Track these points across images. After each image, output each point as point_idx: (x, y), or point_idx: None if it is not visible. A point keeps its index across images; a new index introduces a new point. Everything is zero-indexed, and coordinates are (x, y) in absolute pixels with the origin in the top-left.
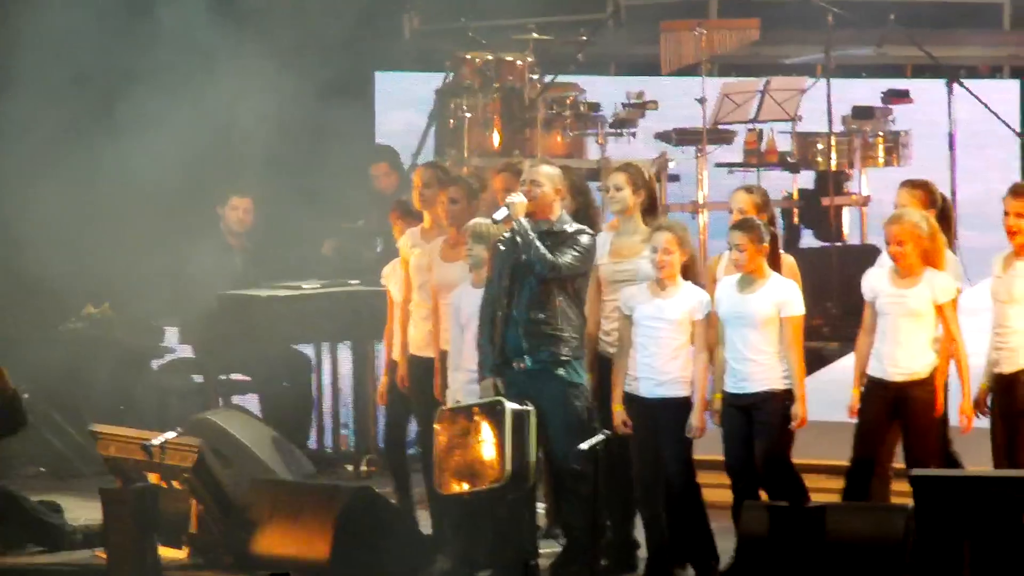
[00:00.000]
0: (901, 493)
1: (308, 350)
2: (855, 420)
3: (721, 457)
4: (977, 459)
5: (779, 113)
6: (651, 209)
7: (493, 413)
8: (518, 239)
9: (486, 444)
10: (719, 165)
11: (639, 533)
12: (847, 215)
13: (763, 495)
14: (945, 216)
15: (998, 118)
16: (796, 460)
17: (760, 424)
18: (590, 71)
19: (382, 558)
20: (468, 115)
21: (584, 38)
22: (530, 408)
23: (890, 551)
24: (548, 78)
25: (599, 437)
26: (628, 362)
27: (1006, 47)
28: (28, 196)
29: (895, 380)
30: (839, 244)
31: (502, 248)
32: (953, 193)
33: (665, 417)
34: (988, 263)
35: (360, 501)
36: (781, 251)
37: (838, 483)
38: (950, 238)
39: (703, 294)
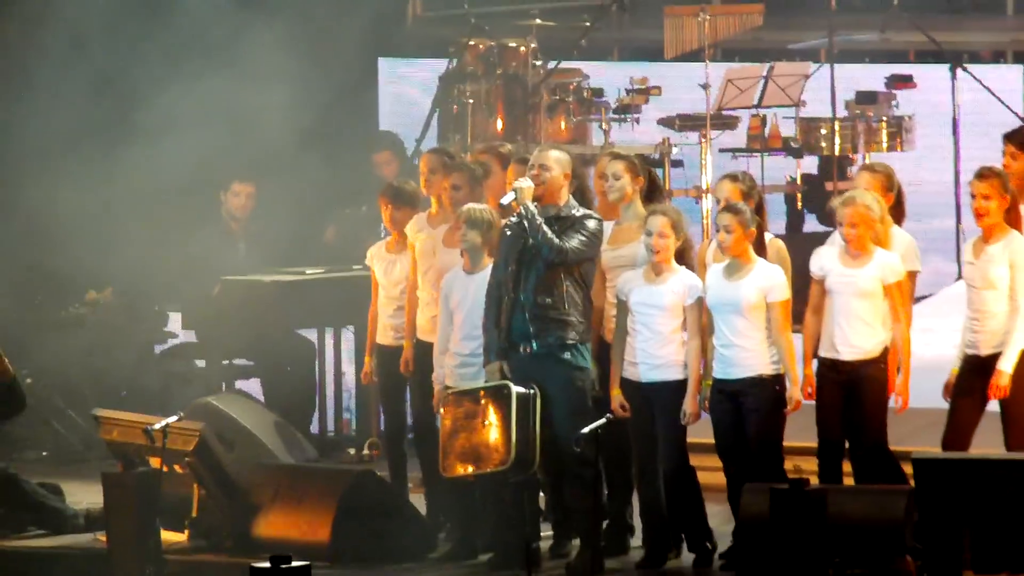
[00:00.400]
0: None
1: (311, 335)
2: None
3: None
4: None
5: (783, 98)
6: (653, 195)
7: (499, 396)
8: (525, 223)
9: (491, 427)
10: (723, 150)
11: (631, 517)
12: None
13: None
14: (899, 202)
15: (1001, 103)
16: (793, 443)
17: (749, 410)
18: (593, 57)
19: (384, 542)
20: (471, 101)
21: (587, 24)
22: (535, 392)
23: (891, 533)
24: (551, 64)
25: (601, 421)
26: (625, 347)
27: (1009, 32)
28: (41, 186)
29: (846, 359)
30: None
31: (509, 233)
32: (957, 177)
33: (660, 401)
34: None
35: (362, 485)
36: (771, 235)
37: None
38: (900, 223)
39: (695, 279)
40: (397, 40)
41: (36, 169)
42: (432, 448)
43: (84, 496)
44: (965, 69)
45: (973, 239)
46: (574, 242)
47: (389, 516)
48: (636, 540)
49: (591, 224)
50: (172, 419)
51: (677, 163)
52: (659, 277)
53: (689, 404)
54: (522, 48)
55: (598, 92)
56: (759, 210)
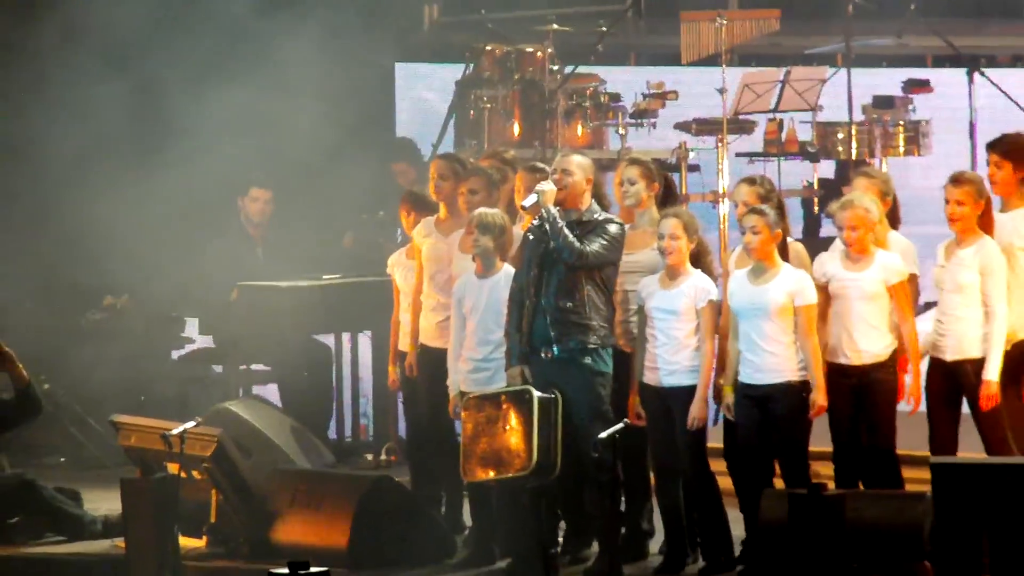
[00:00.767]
0: (920, 480)
1: (328, 340)
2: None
3: None
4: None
5: (799, 103)
6: (668, 200)
7: (520, 401)
8: (546, 227)
9: (513, 432)
10: (739, 155)
11: (648, 522)
12: None
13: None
14: (895, 207)
15: (1019, 107)
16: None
17: (777, 416)
18: (610, 62)
19: (401, 547)
20: (488, 106)
21: (604, 28)
22: (557, 396)
23: (909, 538)
24: (568, 69)
25: (619, 426)
26: (645, 353)
27: None
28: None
29: (856, 364)
30: None
31: (531, 237)
32: None
33: (678, 405)
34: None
35: (380, 490)
36: (791, 239)
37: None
38: (896, 227)
39: (707, 281)
40: (414, 46)
41: (67, 178)
42: (442, 453)
43: (102, 502)
44: (983, 73)
45: (946, 242)
46: (595, 246)
47: (407, 521)
48: (654, 546)
49: (612, 228)
50: (190, 425)
51: (694, 168)
52: (673, 281)
53: (697, 408)
54: (539, 53)
55: (615, 97)
56: (780, 214)
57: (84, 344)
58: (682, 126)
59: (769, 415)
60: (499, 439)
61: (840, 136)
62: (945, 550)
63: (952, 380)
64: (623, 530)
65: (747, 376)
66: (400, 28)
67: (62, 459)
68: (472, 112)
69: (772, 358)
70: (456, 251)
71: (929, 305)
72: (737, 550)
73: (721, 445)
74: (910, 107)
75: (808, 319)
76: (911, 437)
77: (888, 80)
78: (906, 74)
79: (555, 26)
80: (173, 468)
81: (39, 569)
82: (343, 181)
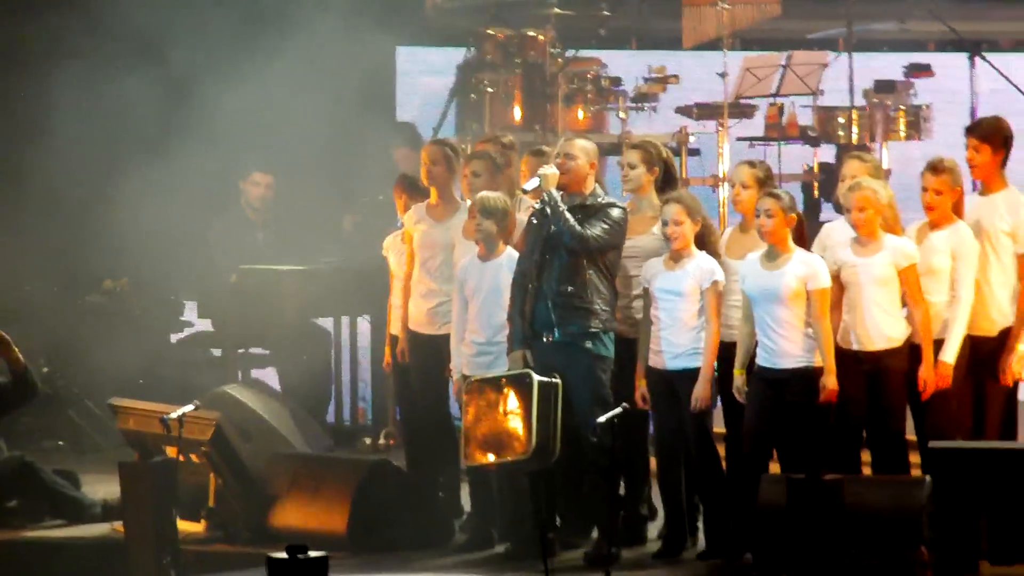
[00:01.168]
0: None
1: (327, 324)
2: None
3: None
4: None
5: (801, 87)
6: (668, 185)
7: (521, 385)
8: (547, 210)
9: (513, 416)
10: (740, 139)
11: (647, 507)
12: None
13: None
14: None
15: (1020, 92)
16: None
17: (789, 401)
18: (611, 46)
19: (400, 531)
20: (490, 90)
21: (605, 13)
22: (557, 381)
23: (907, 523)
24: (569, 53)
25: (617, 410)
26: (650, 336)
27: None
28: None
29: (869, 349)
30: None
31: (534, 221)
32: None
33: (684, 388)
34: None
35: (378, 474)
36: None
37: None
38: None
39: (712, 263)
40: (415, 29)
41: (78, 162)
42: (437, 438)
43: (101, 486)
44: (984, 58)
45: (917, 224)
46: (596, 230)
47: (405, 506)
48: (652, 531)
49: (615, 213)
50: (188, 408)
51: (694, 152)
52: (678, 264)
53: (700, 389)
54: (541, 37)
55: (616, 81)
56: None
57: (83, 327)
58: (683, 110)
59: (783, 399)
60: (499, 423)
61: (841, 120)
62: (943, 535)
63: (917, 363)
64: (622, 514)
65: (765, 360)
66: (401, 11)
67: (60, 443)
68: (473, 96)
69: (788, 343)
70: (459, 238)
71: None
72: None
73: (724, 430)
74: (911, 92)
75: (821, 303)
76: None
77: (890, 65)
78: (907, 59)
79: (557, 10)
80: (172, 452)
81: (38, 552)
82: (343, 164)
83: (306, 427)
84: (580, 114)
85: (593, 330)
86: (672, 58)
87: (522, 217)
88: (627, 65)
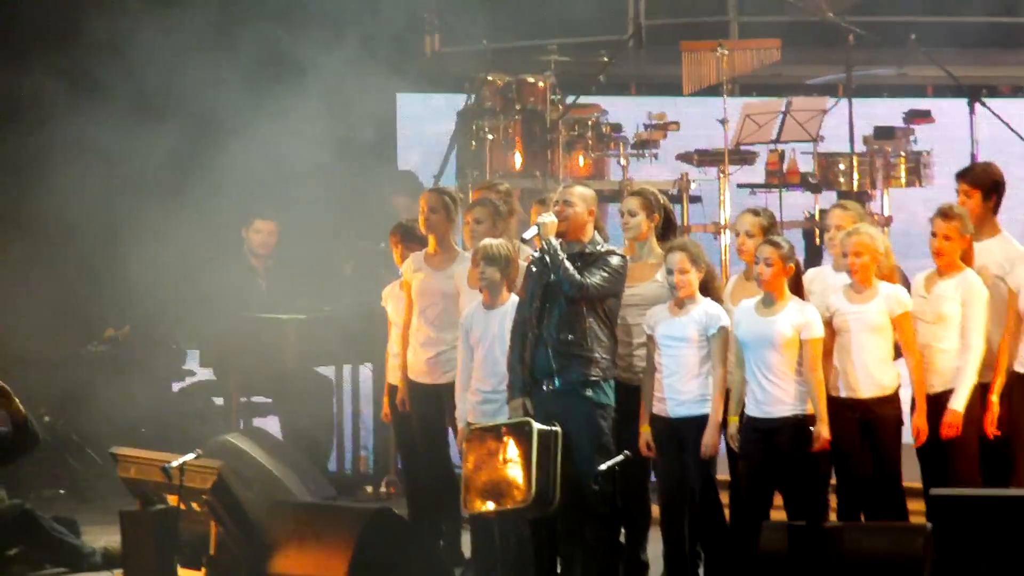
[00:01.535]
0: (920, 512)
1: (329, 372)
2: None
3: None
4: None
5: (801, 133)
6: (667, 232)
7: (520, 433)
8: (547, 259)
9: (512, 464)
10: (741, 186)
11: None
12: None
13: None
14: None
15: (1020, 137)
16: None
17: (782, 450)
18: (611, 92)
19: None
20: (490, 137)
21: (605, 59)
22: (557, 429)
23: (909, 570)
24: (569, 99)
25: (618, 458)
26: (653, 383)
27: None
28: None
29: (863, 397)
30: None
31: (534, 269)
32: None
33: (689, 435)
34: None
35: (379, 523)
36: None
37: None
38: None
39: (717, 308)
40: (415, 76)
41: (86, 213)
42: (438, 486)
43: (102, 534)
44: (983, 104)
45: (926, 272)
46: (596, 278)
47: (406, 555)
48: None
49: (614, 260)
50: (190, 456)
51: (695, 199)
52: (682, 310)
53: (709, 436)
54: (540, 83)
55: (616, 127)
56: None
57: (85, 375)
58: (683, 157)
59: (775, 448)
60: (498, 471)
61: (842, 167)
62: None
63: (937, 413)
64: (622, 562)
65: (755, 408)
66: (401, 58)
67: (61, 491)
68: (473, 143)
69: (780, 391)
70: (464, 286)
71: None
72: None
73: (728, 478)
74: (911, 138)
75: (814, 353)
76: (913, 469)
77: (889, 110)
78: (907, 104)
79: (556, 56)
80: (173, 500)
81: None
82: (345, 211)
83: (308, 476)
84: (581, 161)
85: (593, 378)
86: (672, 104)
87: (522, 264)
88: (627, 111)
